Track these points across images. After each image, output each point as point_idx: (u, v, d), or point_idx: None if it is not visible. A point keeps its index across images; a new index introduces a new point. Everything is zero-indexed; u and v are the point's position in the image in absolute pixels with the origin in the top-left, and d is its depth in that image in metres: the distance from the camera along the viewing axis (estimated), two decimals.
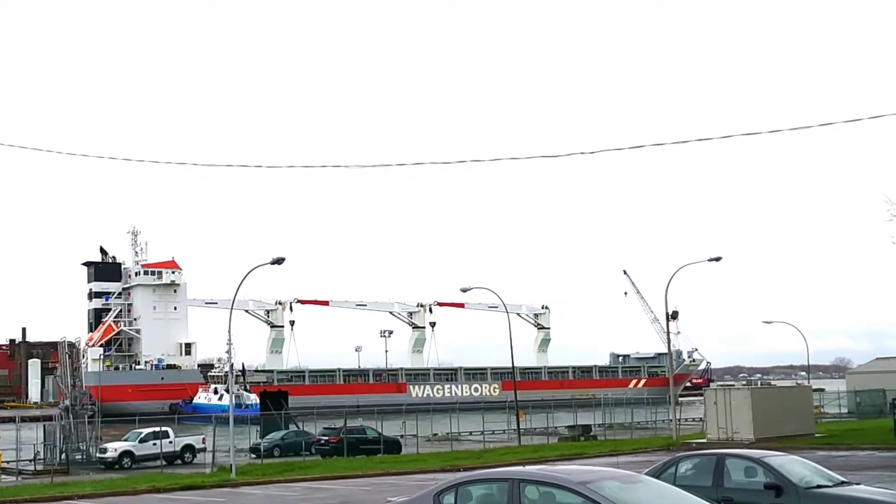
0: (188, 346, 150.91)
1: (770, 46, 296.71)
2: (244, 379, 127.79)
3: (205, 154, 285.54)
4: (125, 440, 53.65)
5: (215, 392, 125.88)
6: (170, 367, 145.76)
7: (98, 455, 51.75)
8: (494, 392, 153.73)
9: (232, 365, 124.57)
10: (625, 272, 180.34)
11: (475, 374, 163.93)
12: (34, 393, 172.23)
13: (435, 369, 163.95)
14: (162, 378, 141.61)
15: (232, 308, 46.59)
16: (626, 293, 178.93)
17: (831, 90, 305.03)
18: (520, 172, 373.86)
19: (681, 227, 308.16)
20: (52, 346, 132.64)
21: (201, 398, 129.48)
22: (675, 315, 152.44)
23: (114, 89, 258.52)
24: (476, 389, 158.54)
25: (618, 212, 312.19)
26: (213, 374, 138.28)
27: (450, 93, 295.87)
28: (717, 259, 55.02)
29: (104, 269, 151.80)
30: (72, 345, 56.55)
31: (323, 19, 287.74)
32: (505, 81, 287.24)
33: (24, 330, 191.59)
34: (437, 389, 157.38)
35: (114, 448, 52.02)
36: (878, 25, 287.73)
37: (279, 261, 44.26)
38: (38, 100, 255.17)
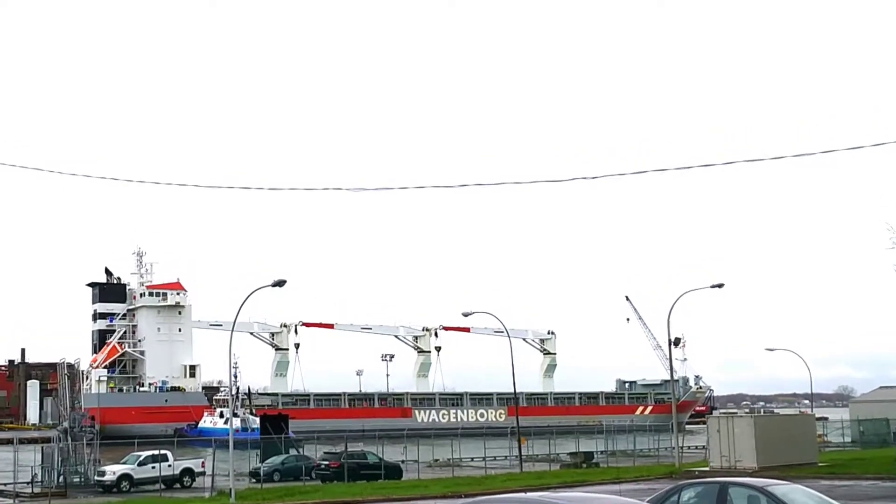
0: (193, 368, 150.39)
1: (773, 73, 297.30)
2: (250, 402, 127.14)
3: (209, 175, 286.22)
4: (124, 463, 53.16)
5: (221, 416, 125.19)
6: (174, 389, 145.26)
7: (96, 478, 51.27)
8: (500, 418, 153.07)
9: (238, 388, 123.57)
10: (627, 298, 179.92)
11: (481, 400, 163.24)
12: (32, 414, 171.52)
13: (441, 394, 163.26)
14: (166, 400, 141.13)
15: (233, 330, 46.42)
16: (628, 319, 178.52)
17: (834, 117, 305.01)
18: (523, 196, 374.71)
19: (683, 252, 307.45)
20: (52, 368, 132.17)
21: (207, 422, 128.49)
22: (677, 342, 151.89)
23: (119, 109, 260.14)
24: (482, 415, 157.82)
25: (622, 237, 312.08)
26: (218, 397, 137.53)
27: (453, 116, 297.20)
28: (720, 286, 54.75)
29: (109, 290, 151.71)
30: (71, 366, 56.22)
31: (326, 41, 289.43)
32: (508, 105, 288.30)
33: (23, 351, 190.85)
34: (443, 415, 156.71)
35: (112, 471, 51.51)
36: (881, 52, 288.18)
37: (280, 283, 44.20)
38: (43, 119, 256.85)
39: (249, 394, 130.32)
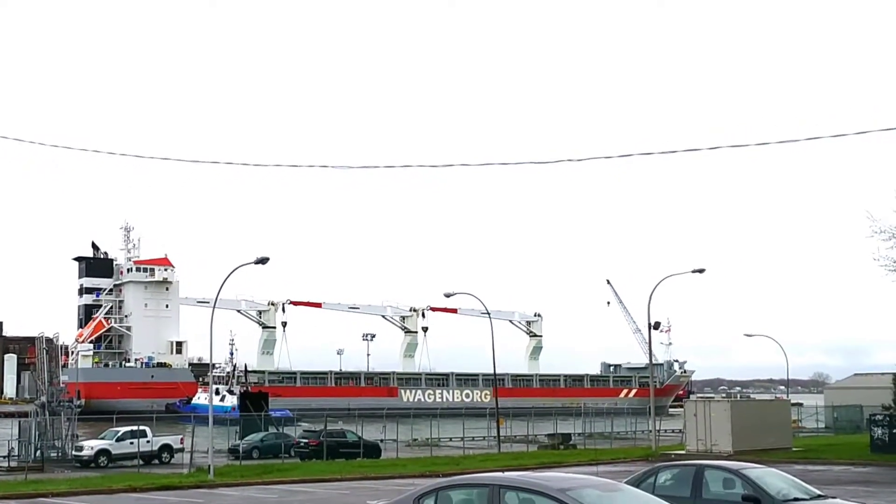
0: (179, 344, 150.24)
1: (759, 63, 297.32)
2: (246, 379, 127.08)
3: (197, 151, 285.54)
4: (102, 438, 53.09)
5: (217, 392, 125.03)
6: (160, 365, 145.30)
7: (74, 453, 51.27)
8: (485, 398, 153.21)
9: (234, 365, 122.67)
10: (608, 282, 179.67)
11: (467, 380, 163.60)
12: (9, 388, 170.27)
13: (427, 374, 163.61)
14: (152, 376, 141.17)
15: (214, 306, 46.26)
16: (608, 303, 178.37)
17: (819, 105, 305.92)
18: (510, 177, 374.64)
19: (666, 236, 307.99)
20: (30, 342, 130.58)
21: (201, 398, 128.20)
22: (657, 326, 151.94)
23: (108, 84, 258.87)
24: (467, 395, 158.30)
25: (607, 219, 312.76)
26: (214, 373, 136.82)
27: (441, 97, 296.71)
28: (701, 271, 54.98)
29: (96, 265, 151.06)
30: (50, 340, 55.86)
31: (316, 21, 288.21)
32: (497, 87, 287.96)
33: (0, 324, 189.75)
34: (429, 394, 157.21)
35: (90, 446, 51.49)
36: (866, 46, 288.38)
37: (263, 260, 44.04)
38: (32, 93, 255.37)
39: (246, 371, 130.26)
